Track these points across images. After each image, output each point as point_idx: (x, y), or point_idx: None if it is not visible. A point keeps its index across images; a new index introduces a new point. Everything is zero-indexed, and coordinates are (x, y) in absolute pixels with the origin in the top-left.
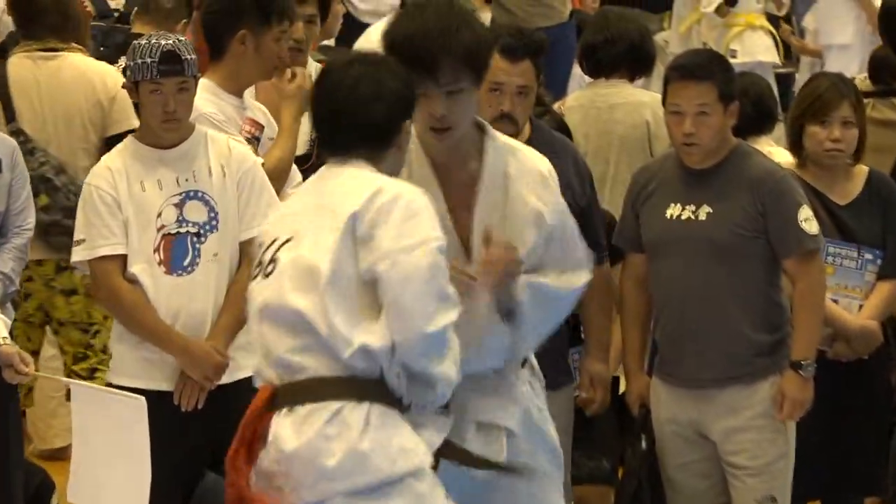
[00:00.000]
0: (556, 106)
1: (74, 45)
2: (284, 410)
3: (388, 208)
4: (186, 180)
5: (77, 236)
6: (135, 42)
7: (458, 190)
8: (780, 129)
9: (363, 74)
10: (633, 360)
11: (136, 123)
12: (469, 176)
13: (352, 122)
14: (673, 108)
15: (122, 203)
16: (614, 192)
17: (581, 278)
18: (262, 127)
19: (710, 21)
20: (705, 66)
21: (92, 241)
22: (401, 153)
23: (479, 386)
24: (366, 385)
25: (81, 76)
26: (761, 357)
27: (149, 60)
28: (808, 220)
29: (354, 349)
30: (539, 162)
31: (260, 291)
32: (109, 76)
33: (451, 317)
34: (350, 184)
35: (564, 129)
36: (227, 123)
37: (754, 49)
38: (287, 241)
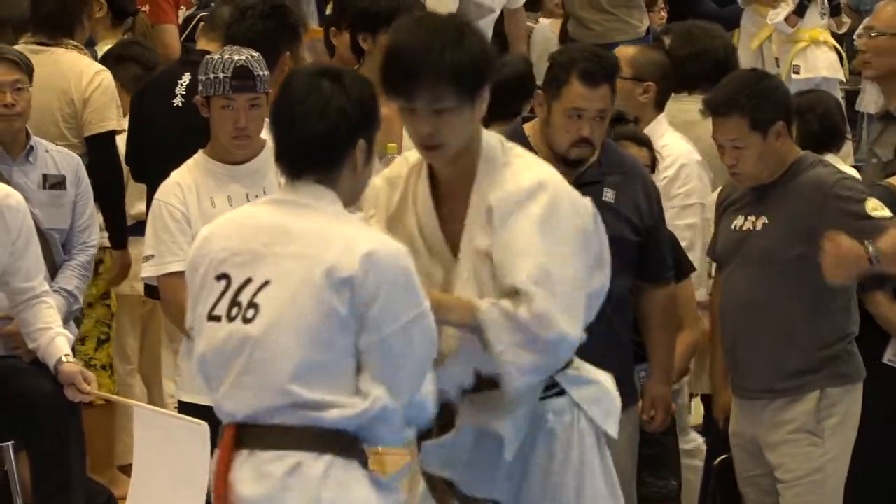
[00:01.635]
0: None
1: (69, 41)
2: (246, 452)
3: (381, 281)
4: (257, 196)
5: (146, 252)
6: (207, 57)
7: (457, 204)
8: (847, 146)
9: (315, 89)
10: (719, 375)
11: (111, 126)
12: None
13: (295, 137)
14: (716, 140)
15: (191, 219)
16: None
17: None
18: None
19: (779, 37)
20: (729, 101)
21: (161, 257)
22: (357, 176)
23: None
24: (330, 436)
25: (59, 73)
26: (808, 373)
27: (221, 76)
28: (877, 210)
29: (332, 419)
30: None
31: (225, 337)
32: (87, 75)
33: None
34: (327, 232)
35: (645, 142)
36: None
37: (817, 65)
38: (264, 284)
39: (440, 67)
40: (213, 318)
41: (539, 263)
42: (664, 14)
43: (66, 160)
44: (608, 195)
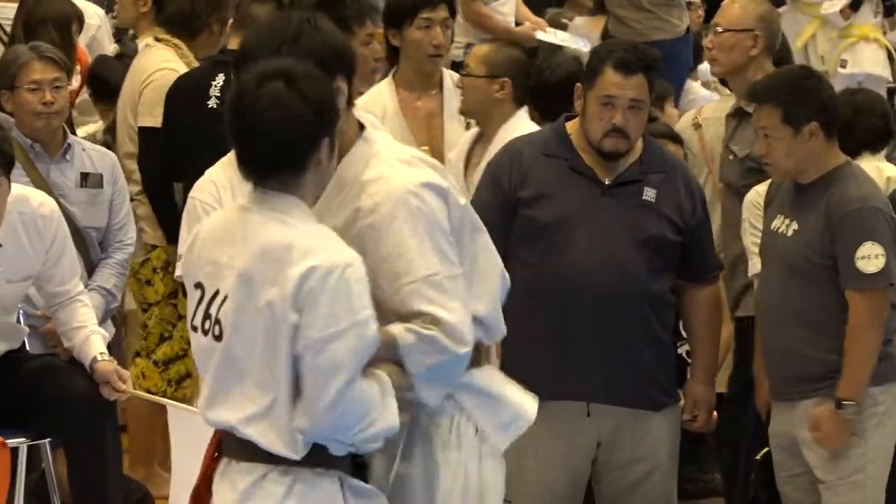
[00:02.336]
0: (689, 117)
1: (170, 38)
2: (225, 461)
3: (318, 290)
4: None
5: (181, 250)
6: None
7: None
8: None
9: (271, 96)
10: (761, 370)
11: (148, 122)
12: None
13: (256, 147)
14: (754, 128)
15: None
16: None
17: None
18: None
19: (826, 34)
20: (768, 91)
21: None
22: (322, 171)
23: None
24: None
25: (141, 65)
26: (834, 378)
27: None
28: (865, 259)
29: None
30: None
31: (203, 348)
32: (148, 70)
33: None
34: (276, 249)
35: (673, 136)
36: None
37: (864, 60)
38: (224, 299)
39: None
40: (192, 327)
41: (426, 278)
42: (701, 13)
43: (103, 158)
44: (649, 194)
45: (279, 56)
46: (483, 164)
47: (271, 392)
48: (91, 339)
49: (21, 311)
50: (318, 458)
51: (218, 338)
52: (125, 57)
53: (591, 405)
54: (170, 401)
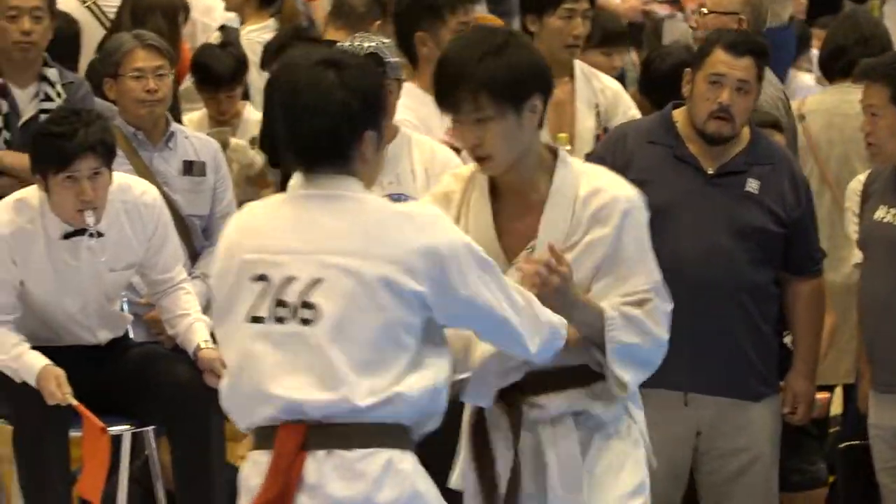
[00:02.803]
0: (793, 107)
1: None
2: (322, 453)
3: (444, 265)
4: (390, 183)
5: None
6: (338, 45)
7: (517, 212)
8: None
9: (314, 82)
10: (864, 365)
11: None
12: (538, 200)
13: (300, 131)
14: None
15: None
16: None
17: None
18: None
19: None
20: (878, 68)
21: None
22: (368, 165)
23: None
24: (402, 430)
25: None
26: None
27: None
28: None
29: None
30: (616, 191)
31: (280, 336)
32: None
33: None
34: (366, 224)
35: (775, 124)
36: (418, 130)
37: None
38: (316, 281)
39: (477, 76)
40: (256, 319)
41: (652, 274)
42: (804, 1)
43: (206, 146)
44: (752, 185)
45: (476, 66)
46: None
47: (398, 361)
48: (194, 326)
49: (125, 300)
50: (409, 438)
51: (309, 321)
52: (228, 45)
53: (689, 395)
54: None
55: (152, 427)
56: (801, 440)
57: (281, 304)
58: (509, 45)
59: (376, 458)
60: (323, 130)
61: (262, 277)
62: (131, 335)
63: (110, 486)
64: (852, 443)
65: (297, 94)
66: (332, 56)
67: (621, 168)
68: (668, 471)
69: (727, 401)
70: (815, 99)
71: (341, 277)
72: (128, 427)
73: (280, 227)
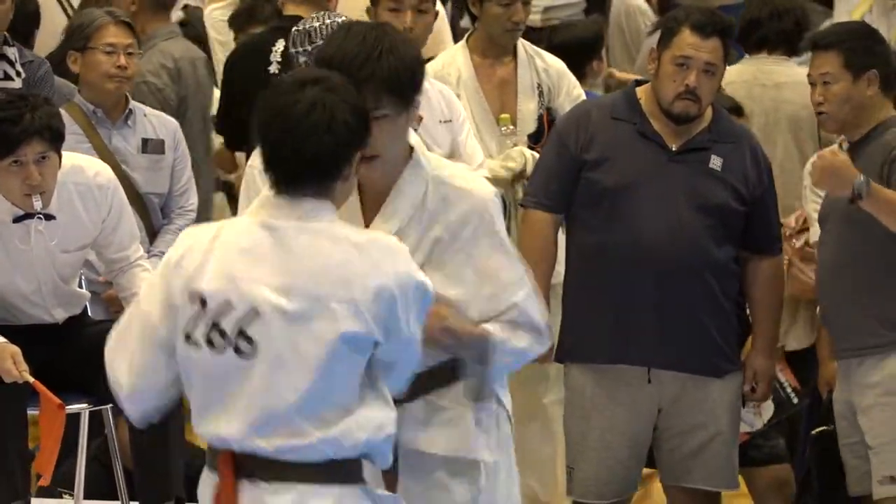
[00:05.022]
0: None
1: None
2: (247, 482)
3: (394, 304)
4: None
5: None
6: (307, 27)
7: (376, 206)
8: None
9: (316, 101)
10: (824, 346)
11: None
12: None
13: (299, 152)
14: (809, 79)
15: None
16: (783, 175)
17: (535, 348)
18: (421, 118)
19: (881, 7)
20: (832, 37)
21: None
22: (348, 185)
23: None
24: (339, 466)
25: None
26: (893, 331)
27: None
28: None
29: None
30: (472, 199)
31: (209, 363)
32: None
33: None
34: (329, 263)
35: (737, 109)
36: None
37: None
38: (252, 316)
39: (378, 75)
40: (189, 340)
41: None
42: None
43: (165, 124)
44: (715, 163)
45: (376, 63)
46: None
47: (335, 411)
48: None
49: (83, 278)
50: (355, 471)
51: (245, 355)
52: (187, 25)
53: (652, 371)
54: None
55: (110, 405)
56: None
57: (218, 330)
58: (398, 43)
59: (286, 493)
60: (327, 148)
61: (201, 299)
62: (89, 313)
63: (69, 465)
64: (822, 428)
65: (300, 114)
66: (319, 76)
67: (584, 146)
68: (630, 448)
69: (689, 377)
70: (734, 70)
71: (277, 315)
72: (85, 405)
73: (242, 252)
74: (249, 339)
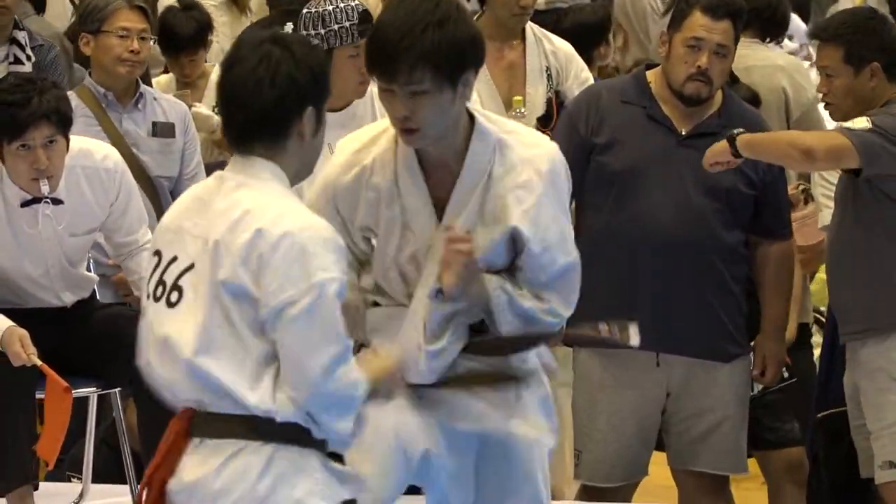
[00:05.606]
0: None
1: None
2: (197, 440)
3: (269, 256)
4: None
5: None
6: (317, 9)
7: (444, 187)
8: None
9: (264, 56)
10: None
11: None
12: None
13: (244, 106)
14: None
15: None
16: None
17: (545, 319)
18: None
19: None
20: (830, 30)
21: None
22: (307, 145)
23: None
24: (274, 426)
25: None
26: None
27: (347, 24)
28: (852, 122)
29: (257, 411)
30: (536, 162)
31: (162, 322)
32: None
33: (350, 366)
34: (234, 216)
35: (755, 100)
36: None
37: None
38: (188, 268)
39: (419, 49)
40: (146, 295)
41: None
42: None
43: (175, 108)
44: None
45: (418, 37)
46: None
47: (245, 361)
48: None
49: (92, 261)
50: (298, 435)
51: (173, 305)
52: (191, 8)
53: (661, 356)
54: None
55: (118, 389)
56: (775, 399)
57: (161, 283)
58: (450, 18)
59: (226, 448)
60: (268, 102)
61: (157, 253)
62: (98, 296)
63: (78, 448)
64: (830, 411)
65: (246, 69)
66: (278, 35)
67: (595, 129)
68: (638, 433)
69: (697, 361)
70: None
71: (203, 267)
72: (94, 389)
73: (189, 206)
74: (177, 288)
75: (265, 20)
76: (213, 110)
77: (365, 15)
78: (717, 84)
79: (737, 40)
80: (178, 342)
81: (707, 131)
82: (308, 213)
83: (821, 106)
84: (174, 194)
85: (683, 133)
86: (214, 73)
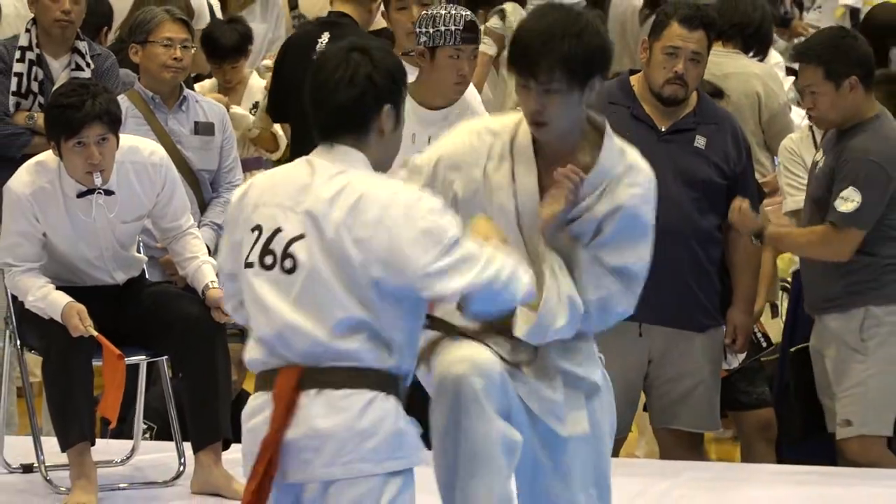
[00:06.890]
0: None
1: None
2: (314, 392)
3: (396, 231)
4: None
5: None
6: (431, 12)
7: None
8: None
9: (344, 61)
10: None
11: None
12: (577, 166)
13: (325, 102)
14: (798, 87)
15: None
16: None
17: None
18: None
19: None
20: (810, 51)
21: None
22: (387, 140)
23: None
24: (392, 380)
25: None
26: (854, 293)
27: (453, 28)
28: (843, 200)
29: (374, 363)
30: (647, 170)
31: (272, 287)
32: None
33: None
34: (351, 201)
35: (717, 93)
36: None
37: None
38: (295, 238)
39: (557, 53)
40: (248, 263)
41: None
42: None
43: (214, 109)
44: (699, 142)
45: (556, 43)
46: None
47: (365, 314)
48: (203, 268)
49: (141, 244)
50: (396, 386)
51: (290, 271)
52: (234, 21)
53: (643, 326)
54: None
55: (165, 357)
56: (747, 365)
57: (269, 252)
58: (587, 30)
59: (360, 396)
60: (349, 99)
61: (257, 228)
62: (147, 276)
63: (130, 411)
64: (799, 346)
65: (328, 73)
66: (360, 44)
67: None
68: (624, 395)
69: (676, 332)
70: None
71: (313, 235)
72: (143, 357)
73: (284, 185)
74: (290, 256)
75: (305, 28)
76: (250, 111)
77: (472, 25)
78: (692, 86)
79: (709, 48)
80: (320, 305)
81: (684, 128)
82: (414, 188)
83: (794, 111)
84: (213, 185)
85: (663, 130)
86: (253, 78)
